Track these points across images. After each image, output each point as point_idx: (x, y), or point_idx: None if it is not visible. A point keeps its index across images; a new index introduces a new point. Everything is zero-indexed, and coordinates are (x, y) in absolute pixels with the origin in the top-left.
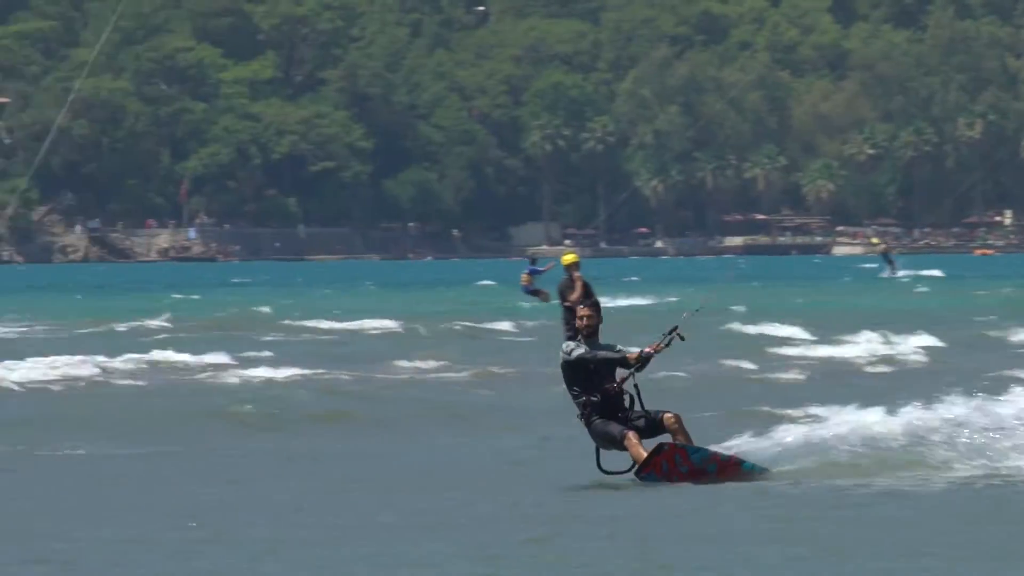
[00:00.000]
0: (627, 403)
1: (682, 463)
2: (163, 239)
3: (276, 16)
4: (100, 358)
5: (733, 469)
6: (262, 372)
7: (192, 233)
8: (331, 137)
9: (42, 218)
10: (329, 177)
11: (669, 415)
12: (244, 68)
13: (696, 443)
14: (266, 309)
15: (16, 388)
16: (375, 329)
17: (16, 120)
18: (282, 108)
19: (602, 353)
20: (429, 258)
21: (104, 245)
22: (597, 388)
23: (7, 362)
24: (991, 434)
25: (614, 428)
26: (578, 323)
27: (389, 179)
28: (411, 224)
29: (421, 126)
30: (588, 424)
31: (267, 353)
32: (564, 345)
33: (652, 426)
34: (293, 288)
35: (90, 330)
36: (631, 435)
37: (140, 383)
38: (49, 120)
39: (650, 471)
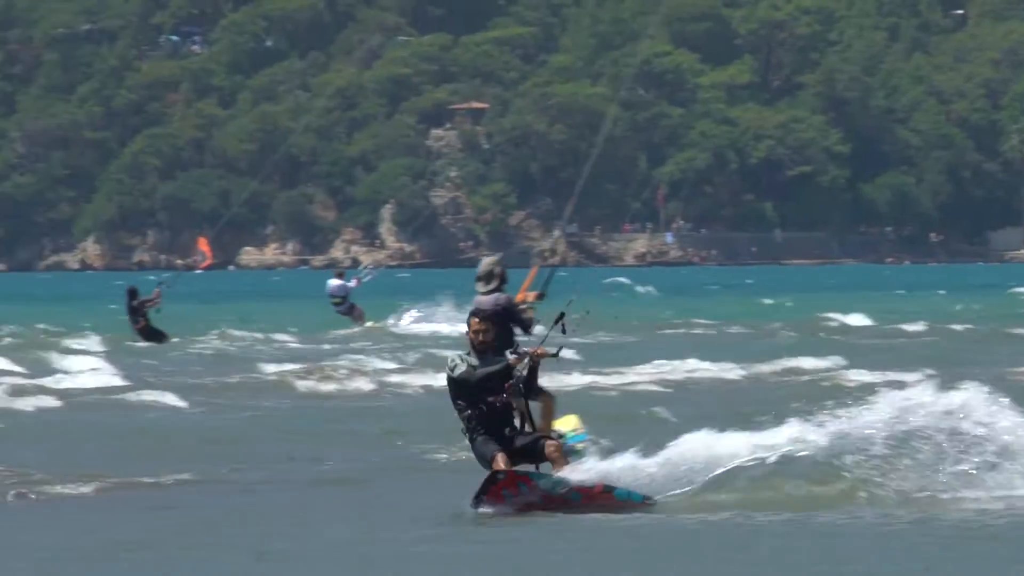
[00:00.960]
0: (516, 420)
1: (530, 492)
2: (640, 243)
3: (754, 21)
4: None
5: (603, 498)
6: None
7: (669, 237)
8: (808, 142)
9: (520, 223)
10: (806, 182)
11: (551, 444)
12: (721, 73)
13: None
14: (859, 316)
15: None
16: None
17: (495, 125)
18: (759, 113)
19: (481, 370)
20: (907, 263)
21: (581, 249)
22: (483, 402)
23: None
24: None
25: (489, 448)
26: (471, 336)
27: (866, 183)
28: (887, 228)
29: (899, 130)
30: (472, 441)
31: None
32: (448, 359)
33: (533, 451)
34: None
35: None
36: (499, 457)
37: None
38: (527, 125)
39: (490, 500)
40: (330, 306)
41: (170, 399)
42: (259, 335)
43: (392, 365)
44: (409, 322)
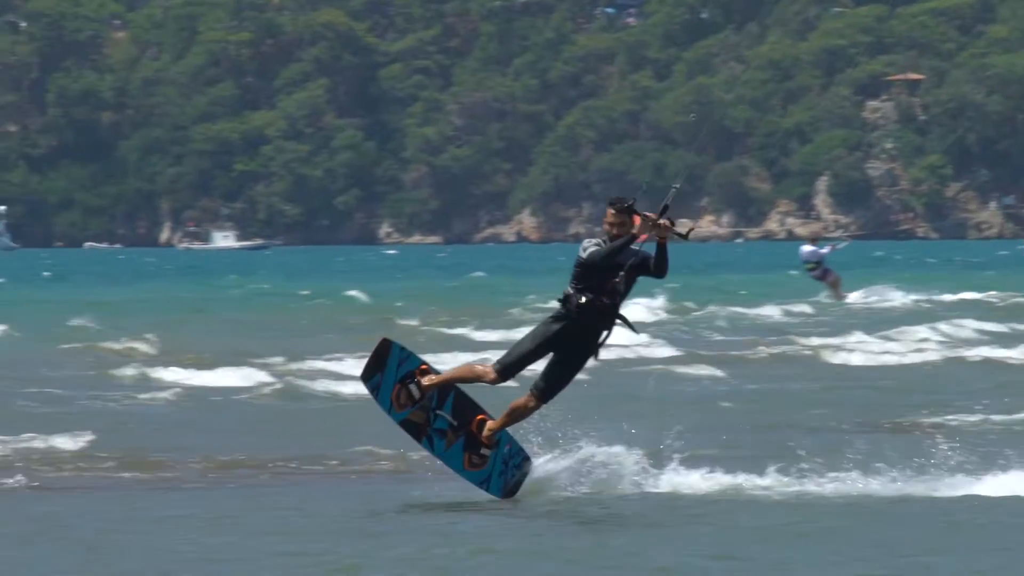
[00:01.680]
0: (604, 335)
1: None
2: None
3: None
4: None
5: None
6: None
7: None
8: None
9: (956, 195)
10: None
11: (527, 399)
12: None
13: None
14: None
15: None
16: None
17: (931, 96)
18: None
19: (607, 246)
20: None
21: (1018, 221)
22: (601, 290)
23: None
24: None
25: (527, 341)
26: (606, 228)
27: None
28: None
29: None
30: (548, 319)
31: None
32: (584, 241)
33: (547, 391)
34: None
35: None
36: (492, 369)
37: None
38: (963, 96)
39: (379, 388)
40: (805, 272)
41: (707, 370)
42: (775, 307)
43: (938, 337)
44: (865, 296)
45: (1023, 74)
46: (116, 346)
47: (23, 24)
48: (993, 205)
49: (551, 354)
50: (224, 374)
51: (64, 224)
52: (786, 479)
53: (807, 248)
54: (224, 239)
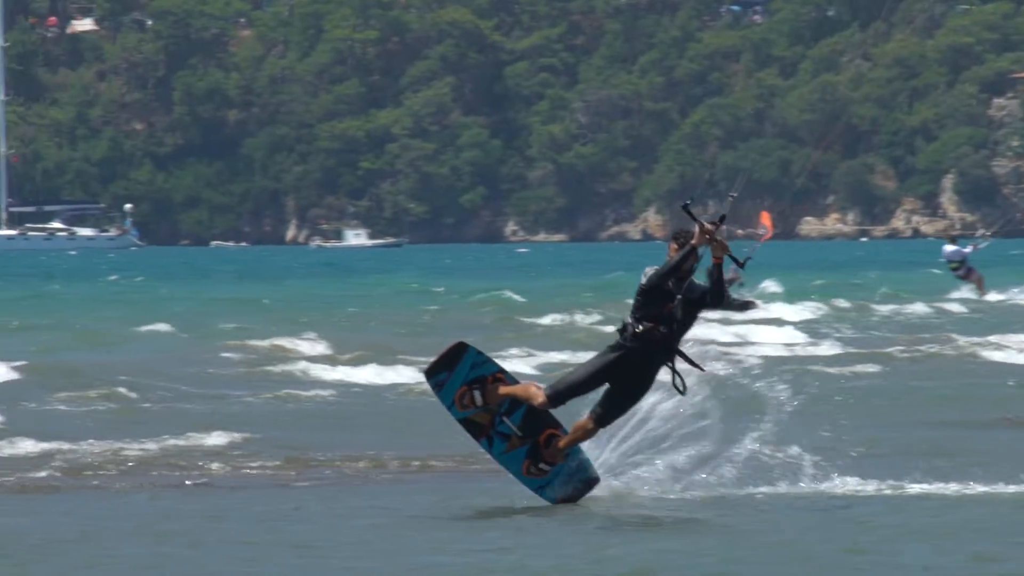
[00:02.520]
0: (676, 380)
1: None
2: None
3: None
4: None
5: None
6: None
7: None
8: None
9: None
10: None
11: (585, 424)
12: None
13: None
14: None
15: None
16: None
17: None
18: None
19: (666, 263)
20: None
21: None
22: (653, 320)
23: None
24: None
25: (581, 371)
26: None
27: None
28: None
29: None
30: (606, 348)
31: None
32: (646, 268)
33: (604, 417)
34: None
35: None
36: (543, 393)
37: None
38: None
39: (443, 385)
40: (948, 271)
41: (862, 367)
42: (925, 305)
43: None
44: (1013, 295)
45: None
46: (273, 344)
47: (149, 22)
48: None
49: (607, 383)
50: (377, 371)
51: (190, 222)
52: (936, 476)
53: (950, 247)
54: (356, 237)
